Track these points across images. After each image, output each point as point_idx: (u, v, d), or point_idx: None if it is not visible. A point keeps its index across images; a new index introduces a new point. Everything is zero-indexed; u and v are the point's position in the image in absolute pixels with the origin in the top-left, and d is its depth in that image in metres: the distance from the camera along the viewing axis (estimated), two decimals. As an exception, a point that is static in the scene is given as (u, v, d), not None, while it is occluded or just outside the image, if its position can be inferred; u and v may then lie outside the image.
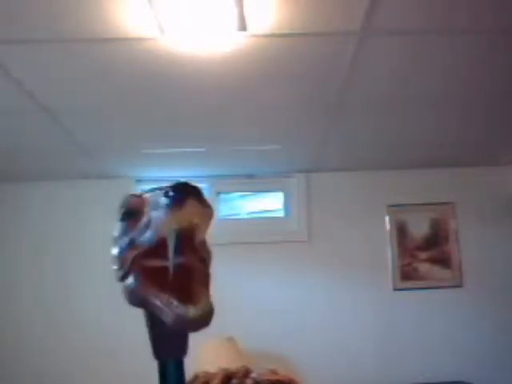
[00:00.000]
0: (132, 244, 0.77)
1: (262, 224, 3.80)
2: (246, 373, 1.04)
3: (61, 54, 1.93)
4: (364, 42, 1.90)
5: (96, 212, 3.70)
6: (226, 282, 3.62)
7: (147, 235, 0.75)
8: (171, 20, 1.70)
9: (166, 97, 2.36)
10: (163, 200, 0.73)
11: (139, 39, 1.82)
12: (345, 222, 3.73)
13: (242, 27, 1.76)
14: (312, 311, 3.60)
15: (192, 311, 0.72)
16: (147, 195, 0.80)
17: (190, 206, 0.73)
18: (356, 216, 3.73)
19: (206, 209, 0.76)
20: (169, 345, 0.82)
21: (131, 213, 0.80)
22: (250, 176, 3.78)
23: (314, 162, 3.54)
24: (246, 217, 3.97)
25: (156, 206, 0.75)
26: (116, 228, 0.82)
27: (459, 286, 3.66)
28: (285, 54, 1.98)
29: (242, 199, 4.00)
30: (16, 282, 3.61)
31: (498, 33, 1.90)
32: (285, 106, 2.52)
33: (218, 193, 3.80)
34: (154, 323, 0.79)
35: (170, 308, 0.72)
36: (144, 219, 0.76)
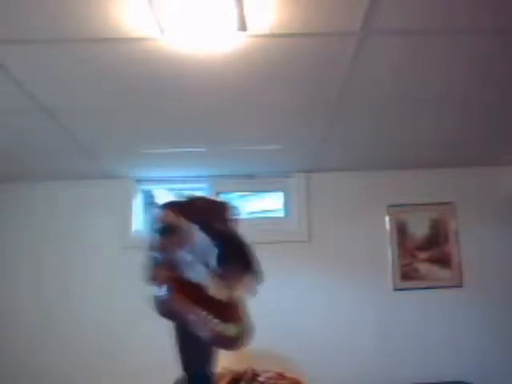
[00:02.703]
0: (169, 263, 0.74)
1: (262, 224, 3.79)
2: (253, 376, 1.03)
3: (61, 54, 1.93)
4: (364, 42, 1.90)
5: (96, 212, 3.71)
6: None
7: (189, 274, 0.72)
8: (171, 20, 1.70)
9: (166, 97, 2.36)
10: (214, 262, 0.70)
11: (139, 39, 1.82)
12: (345, 222, 3.73)
13: (242, 27, 1.76)
14: (312, 311, 3.60)
15: (232, 330, 0.69)
16: (188, 223, 0.75)
17: (238, 282, 0.69)
18: (356, 216, 3.73)
19: (254, 279, 0.72)
20: (198, 358, 0.78)
21: (169, 229, 0.76)
22: (250, 176, 3.78)
23: (314, 161, 3.54)
24: (246, 217, 3.97)
25: (204, 257, 0.72)
26: (150, 237, 0.79)
27: (459, 286, 3.66)
28: (285, 54, 1.98)
29: (242, 199, 4.00)
30: (16, 282, 3.61)
31: (497, 33, 1.90)
32: (285, 105, 2.52)
33: (218, 193, 3.80)
34: (185, 336, 0.76)
35: (209, 325, 0.69)
36: (183, 251, 0.72)
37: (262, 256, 3.81)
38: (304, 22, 1.75)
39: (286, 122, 2.77)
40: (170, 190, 4.00)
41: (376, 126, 2.87)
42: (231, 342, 0.71)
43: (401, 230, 3.72)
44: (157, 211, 0.80)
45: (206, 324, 0.71)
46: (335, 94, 2.38)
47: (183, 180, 3.81)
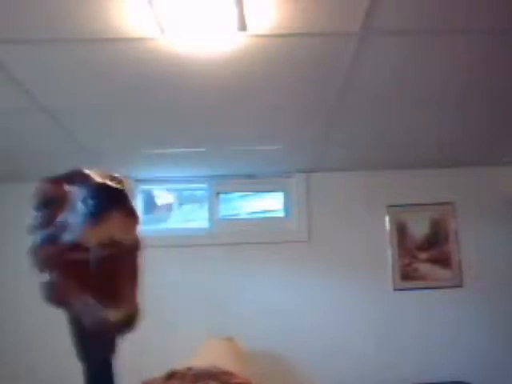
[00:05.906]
0: (52, 239, 0.68)
1: (262, 224, 3.80)
2: (187, 370, 1.00)
3: (61, 54, 1.93)
4: (364, 42, 1.90)
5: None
6: (226, 281, 3.62)
7: (67, 237, 0.68)
8: (171, 20, 1.70)
9: (166, 97, 2.36)
10: (82, 208, 0.65)
11: (139, 39, 1.82)
12: (345, 222, 3.73)
13: (242, 27, 1.76)
14: (312, 311, 3.60)
15: (113, 315, 0.66)
16: (69, 187, 0.71)
17: (111, 220, 0.66)
18: (356, 216, 3.73)
19: (130, 218, 0.68)
20: (92, 346, 0.75)
21: (49, 202, 0.73)
22: (250, 176, 3.78)
23: (314, 161, 3.54)
24: (246, 217, 3.97)
25: (75, 209, 0.67)
26: (32, 216, 0.72)
27: (459, 286, 3.66)
28: (285, 54, 1.98)
29: (242, 199, 4.00)
30: (16, 282, 3.61)
31: (497, 33, 1.90)
32: (285, 105, 2.52)
33: (218, 193, 3.80)
34: (76, 324, 0.72)
35: (90, 310, 0.66)
36: (64, 216, 0.69)
37: (262, 256, 3.80)
38: (304, 21, 1.75)
39: (286, 122, 2.77)
40: (170, 189, 4.00)
41: (376, 125, 2.87)
42: (112, 328, 0.69)
43: (401, 230, 3.72)
44: (37, 187, 0.75)
45: (87, 309, 0.68)
46: (335, 94, 2.38)
47: (183, 180, 3.81)
